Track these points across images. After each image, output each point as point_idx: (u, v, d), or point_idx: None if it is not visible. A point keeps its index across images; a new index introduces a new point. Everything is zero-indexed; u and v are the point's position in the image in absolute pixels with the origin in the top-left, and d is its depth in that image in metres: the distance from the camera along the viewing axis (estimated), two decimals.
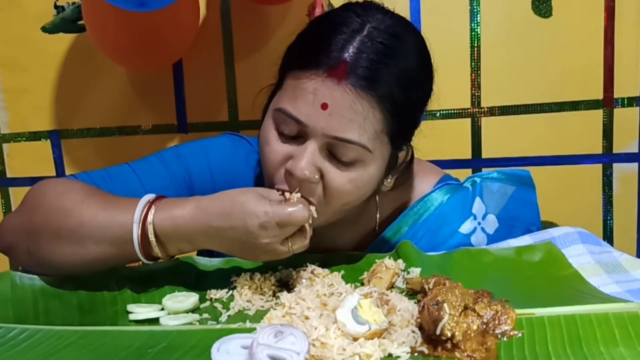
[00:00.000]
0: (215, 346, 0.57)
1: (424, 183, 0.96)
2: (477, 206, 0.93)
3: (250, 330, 0.63)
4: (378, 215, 0.93)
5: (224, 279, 0.79)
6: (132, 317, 0.69)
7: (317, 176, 0.76)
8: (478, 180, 0.94)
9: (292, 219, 0.70)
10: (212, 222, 0.71)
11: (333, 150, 0.76)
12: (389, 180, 0.85)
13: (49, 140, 1.45)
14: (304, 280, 0.76)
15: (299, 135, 0.77)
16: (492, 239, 0.93)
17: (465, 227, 0.92)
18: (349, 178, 0.77)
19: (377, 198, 0.92)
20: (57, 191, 0.78)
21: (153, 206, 0.73)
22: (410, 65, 0.78)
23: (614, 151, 1.41)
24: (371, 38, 0.75)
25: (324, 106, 0.73)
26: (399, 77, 0.76)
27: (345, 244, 0.95)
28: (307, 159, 0.75)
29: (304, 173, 0.74)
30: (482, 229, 0.93)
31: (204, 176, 0.91)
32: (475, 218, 0.93)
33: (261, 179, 0.94)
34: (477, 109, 1.40)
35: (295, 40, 0.83)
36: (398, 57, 0.76)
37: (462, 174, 1.02)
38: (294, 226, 0.71)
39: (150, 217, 0.72)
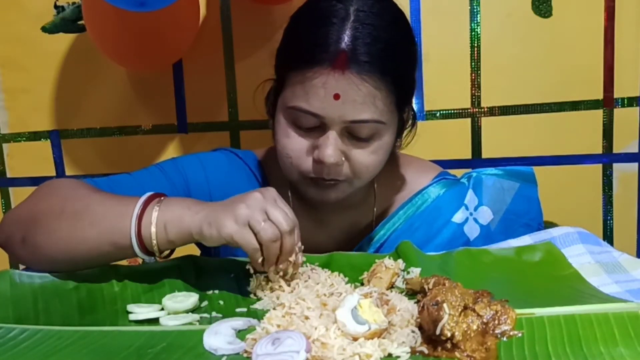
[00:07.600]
0: (208, 329, 0.61)
1: (422, 178, 0.99)
2: (469, 197, 0.95)
3: (251, 330, 0.63)
4: (376, 207, 0.96)
5: (224, 278, 0.79)
6: (132, 317, 0.69)
7: (343, 158, 0.83)
8: (474, 174, 0.96)
9: (281, 220, 0.70)
10: (211, 203, 0.75)
11: (352, 132, 0.82)
12: (398, 142, 0.92)
13: (49, 140, 1.45)
14: (302, 276, 0.76)
15: (316, 126, 0.82)
16: (487, 230, 0.95)
17: (458, 217, 0.95)
18: (370, 151, 0.84)
19: (376, 187, 0.96)
20: (69, 184, 0.82)
21: (160, 197, 0.76)
22: (399, 36, 0.84)
23: (614, 151, 1.41)
24: (360, 22, 0.79)
25: (336, 97, 0.79)
26: (394, 52, 0.82)
27: (343, 232, 0.96)
28: (332, 146, 0.81)
29: (332, 160, 0.81)
30: (475, 220, 0.95)
31: (201, 186, 0.94)
32: (467, 208, 0.95)
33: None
34: (477, 109, 1.40)
35: (285, 38, 0.87)
36: (387, 34, 0.81)
37: (462, 174, 1.02)
38: (271, 234, 0.70)
39: (154, 204, 0.74)
